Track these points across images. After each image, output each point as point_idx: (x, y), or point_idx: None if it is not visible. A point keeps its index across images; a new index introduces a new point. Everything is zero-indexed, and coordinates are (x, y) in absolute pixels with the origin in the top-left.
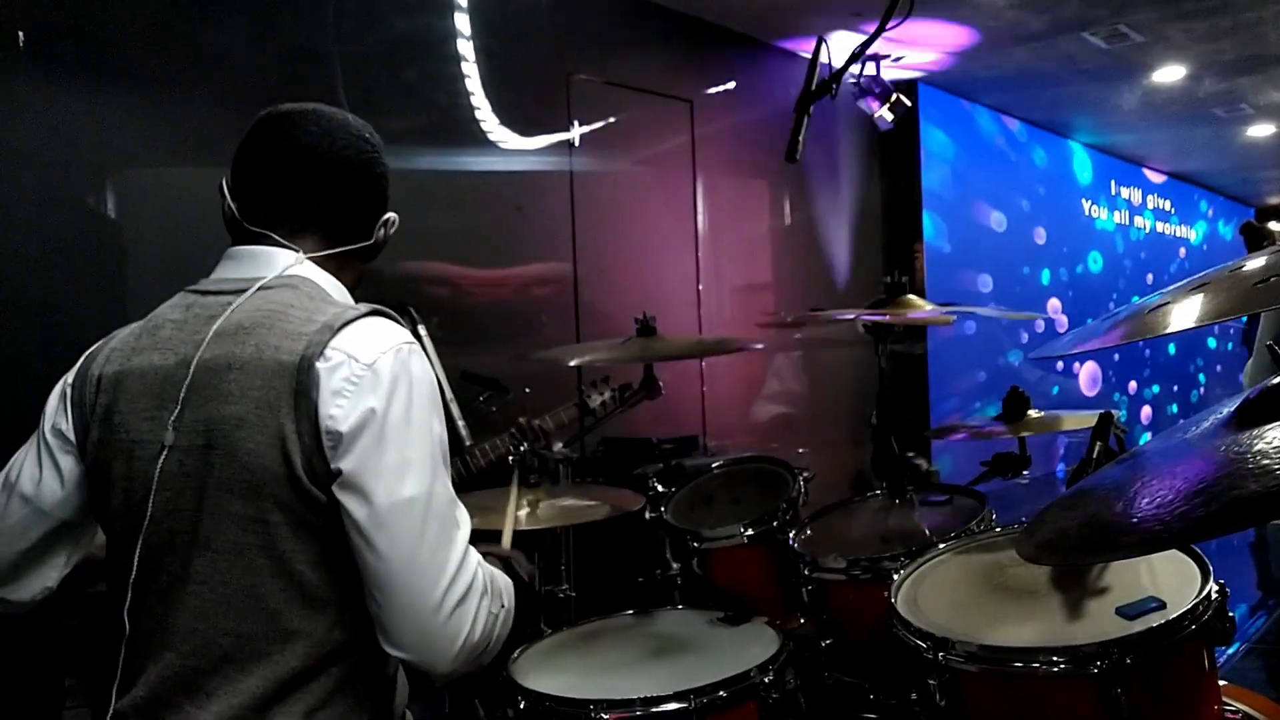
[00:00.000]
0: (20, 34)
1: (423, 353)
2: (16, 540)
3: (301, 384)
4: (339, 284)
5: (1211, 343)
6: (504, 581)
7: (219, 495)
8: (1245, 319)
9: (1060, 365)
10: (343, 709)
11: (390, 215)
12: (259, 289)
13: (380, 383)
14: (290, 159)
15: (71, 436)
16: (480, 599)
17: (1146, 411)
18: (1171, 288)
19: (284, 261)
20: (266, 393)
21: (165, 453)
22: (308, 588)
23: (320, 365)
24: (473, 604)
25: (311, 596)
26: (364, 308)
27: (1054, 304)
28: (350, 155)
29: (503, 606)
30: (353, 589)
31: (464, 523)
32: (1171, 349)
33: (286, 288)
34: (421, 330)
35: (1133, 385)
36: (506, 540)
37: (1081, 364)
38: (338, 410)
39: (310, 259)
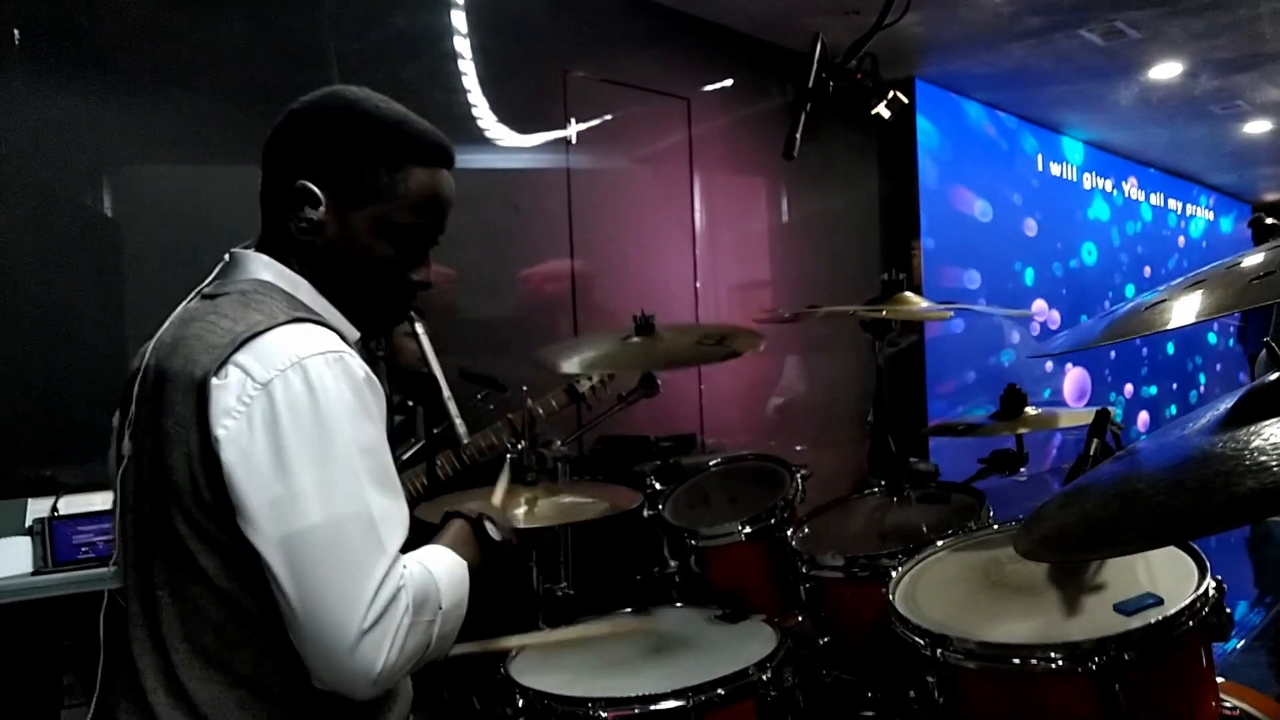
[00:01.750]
0: (15, 31)
1: (346, 360)
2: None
3: (201, 400)
4: (307, 285)
5: (1212, 338)
6: (443, 579)
7: (155, 507)
8: (1239, 315)
9: (1050, 366)
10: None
11: (301, 184)
12: (218, 294)
13: (273, 404)
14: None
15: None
16: (400, 619)
17: (1144, 417)
18: (1169, 284)
19: (244, 265)
20: (184, 408)
21: (125, 462)
22: (239, 605)
23: (215, 382)
24: (387, 628)
25: (248, 613)
26: (284, 316)
27: (1039, 305)
28: (273, 141)
29: (439, 609)
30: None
31: (390, 545)
32: (1170, 348)
33: (238, 294)
34: (419, 328)
35: (1129, 388)
36: (498, 497)
37: (1071, 367)
38: (223, 432)
39: (259, 254)
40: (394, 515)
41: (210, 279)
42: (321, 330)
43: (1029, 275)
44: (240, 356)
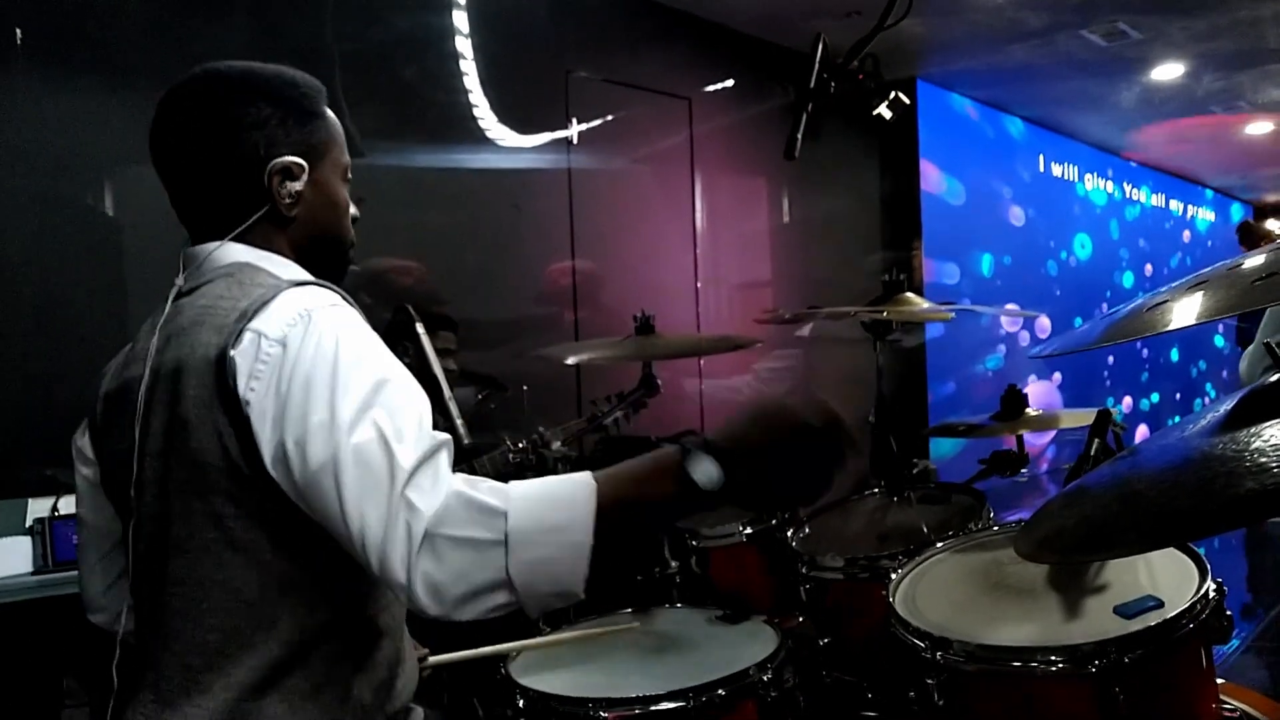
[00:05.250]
0: (18, 31)
1: (348, 308)
2: (88, 558)
3: (221, 375)
4: (284, 259)
5: (1219, 341)
6: (520, 500)
7: (181, 498)
8: (1237, 318)
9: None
10: (338, 690)
11: (280, 162)
12: (194, 288)
13: (289, 355)
14: (160, 165)
15: (90, 454)
16: (419, 531)
17: (1143, 430)
18: (1170, 285)
19: (216, 256)
20: (201, 391)
21: (138, 461)
22: (279, 575)
23: (234, 352)
24: (412, 544)
25: (285, 582)
26: (285, 283)
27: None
28: (192, 135)
29: (505, 532)
30: (326, 569)
31: (405, 461)
32: (1175, 354)
33: (224, 278)
34: (420, 329)
35: (1128, 400)
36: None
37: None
38: (252, 394)
39: (231, 243)
40: (412, 429)
41: (183, 279)
42: (321, 287)
43: (1018, 277)
44: (252, 323)
